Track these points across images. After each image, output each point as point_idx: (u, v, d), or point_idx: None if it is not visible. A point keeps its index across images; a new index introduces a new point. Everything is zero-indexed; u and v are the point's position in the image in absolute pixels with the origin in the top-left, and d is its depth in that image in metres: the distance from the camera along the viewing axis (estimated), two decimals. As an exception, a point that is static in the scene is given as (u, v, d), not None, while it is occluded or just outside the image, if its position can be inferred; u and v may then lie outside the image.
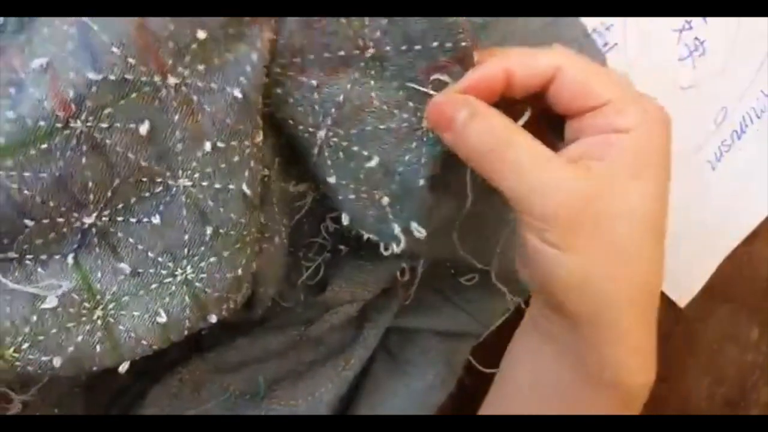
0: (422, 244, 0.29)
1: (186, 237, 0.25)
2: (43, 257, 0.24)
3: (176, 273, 0.26)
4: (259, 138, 0.26)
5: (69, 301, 0.24)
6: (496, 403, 0.31)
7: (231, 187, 0.26)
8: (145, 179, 0.24)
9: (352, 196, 0.29)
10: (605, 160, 0.24)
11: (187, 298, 0.26)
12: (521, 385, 0.29)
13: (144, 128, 0.23)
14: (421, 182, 0.28)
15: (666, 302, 0.48)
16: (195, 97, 0.24)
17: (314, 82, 0.26)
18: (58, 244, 0.24)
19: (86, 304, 0.25)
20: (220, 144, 0.25)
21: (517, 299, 0.38)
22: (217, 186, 0.25)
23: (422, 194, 0.28)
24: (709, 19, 0.43)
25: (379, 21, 0.25)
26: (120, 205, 0.25)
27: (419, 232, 0.28)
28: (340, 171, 0.28)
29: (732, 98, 0.46)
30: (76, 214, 0.24)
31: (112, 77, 0.22)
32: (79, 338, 0.24)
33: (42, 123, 0.21)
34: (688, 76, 0.44)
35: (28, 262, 0.24)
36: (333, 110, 0.27)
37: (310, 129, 0.27)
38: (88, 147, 0.22)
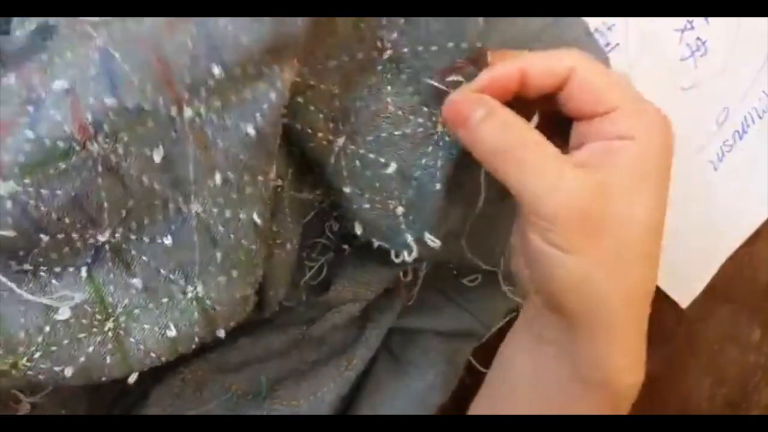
0: (432, 250, 0.29)
1: (197, 257, 0.26)
2: (57, 269, 0.24)
3: (187, 290, 0.26)
4: (273, 174, 0.26)
5: (81, 312, 0.25)
6: (488, 403, 0.31)
7: (242, 216, 0.26)
8: (157, 202, 0.25)
9: (367, 206, 0.29)
10: (611, 166, 0.25)
11: (196, 314, 0.26)
12: (515, 384, 0.29)
13: (158, 156, 0.23)
14: (438, 186, 0.28)
15: (667, 302, 0.48)
16: (209, 132, 0.24)
17: (335, 90, 0.27)
18: (72, 257, 0.24)
19: (98, 316, 0.25)
20: (232, 176, 0.25)
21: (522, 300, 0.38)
22: (228, 215, 0.26)
23: (437, 200, 0.28)
24: (710, 19, 0.43)
25: (397, 21, 0.25)
26: (133, 225, 0.25)
27: (433, 242, 0.29)
28: (356, 180, 0.28)
29: (734, 98, 0.46)
30: (90, 231, 0.24)
31: (130, 105, 0.22)
32: (90, 349, 0.25)
33: (60, 144, 0.22)
34: (690, 76, 0.44)
35: (42, 273, 0.24)
36: (351, 117, 0.27)
37: (330, 137, 0.28)
38: (103, 169, 0.23)
